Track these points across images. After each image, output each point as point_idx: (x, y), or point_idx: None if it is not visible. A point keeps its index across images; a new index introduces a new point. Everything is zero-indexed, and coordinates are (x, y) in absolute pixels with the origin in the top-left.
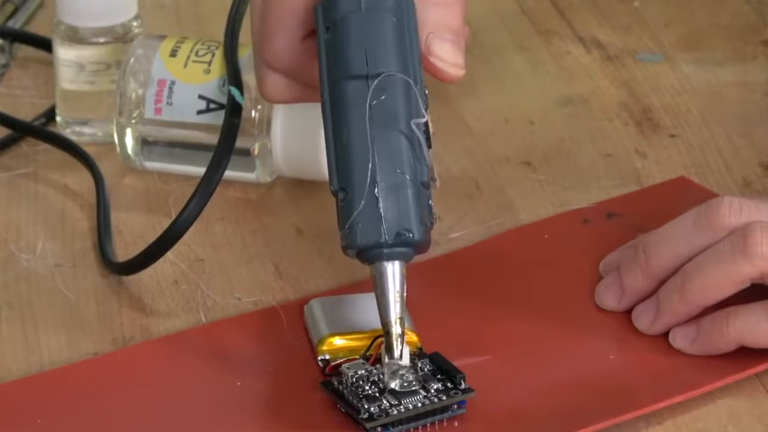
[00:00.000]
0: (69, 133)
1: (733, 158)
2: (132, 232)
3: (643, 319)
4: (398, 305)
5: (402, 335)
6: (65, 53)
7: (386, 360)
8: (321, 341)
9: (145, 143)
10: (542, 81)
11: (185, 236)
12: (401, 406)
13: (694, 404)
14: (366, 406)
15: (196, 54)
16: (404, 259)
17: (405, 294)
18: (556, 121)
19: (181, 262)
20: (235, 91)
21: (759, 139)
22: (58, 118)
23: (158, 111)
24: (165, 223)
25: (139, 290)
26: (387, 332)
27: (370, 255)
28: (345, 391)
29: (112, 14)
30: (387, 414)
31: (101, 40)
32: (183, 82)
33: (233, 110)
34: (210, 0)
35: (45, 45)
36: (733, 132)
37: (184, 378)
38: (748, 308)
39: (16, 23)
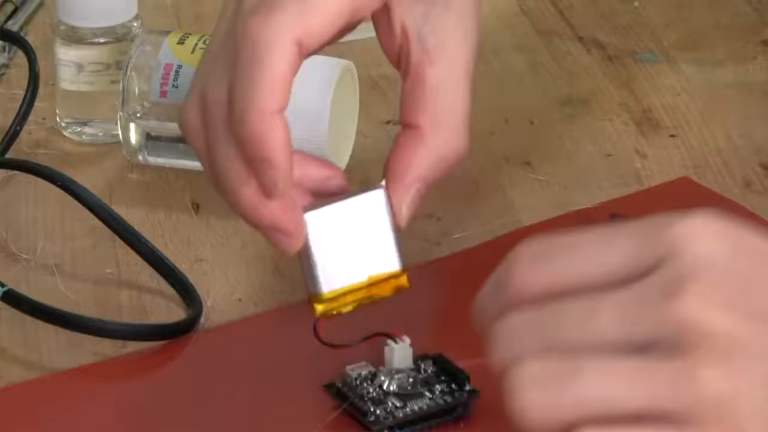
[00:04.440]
0: (69, 133)
1: (733, 158)
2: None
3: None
4: None
5: None
6: (65, 53)
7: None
8: (316, 298)
9: (148, 138)
10: (542, 81)
11: (185, 235)
12: (407, 408)
13: None
14: (372, 409)
15: (204, 42)
16: None
17: None
18: (556, 121)
19: (181, 262)
20: None
21: (759, 139)
22: (57, 119)
23: (163, 94)
24: (165, 219)
25: (138, 290)
26: None
27: None
28: (350, 394)
29: (112, 14)
30: (393, 416)
31: (101, 40)
32: (190, 66)
33: None
34: (210, 0)
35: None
36: (733, 132)
37: (185, 382)
38: None
39: (16, 23)
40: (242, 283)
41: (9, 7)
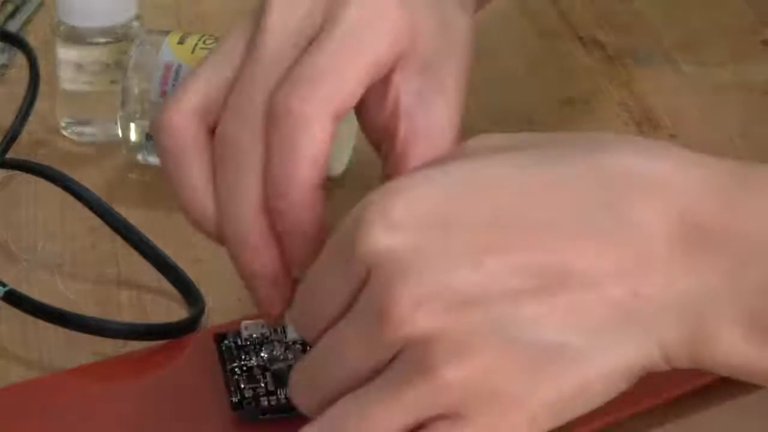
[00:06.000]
0: (69, 133)
1: (733, 158)
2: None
3: None
4: None
5: None
6: (65, 53)
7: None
8: None
9: (148, 138)
10: (542, 81)
11: (185, 236)
12: None
13: (695, 405)
14: None
15: (204, 42)
16: None
17: None
18: (556, 121)
19: (181, 262)
20: None
21: (759, 139)
22: (57, 119)
23: (164, 93)
24: (165, 219)
25: (139, 289)
26: None
27: None
28: None
29: (112, 14)
30: None
31: (101, 40)
32: (190, 66)
33: None
34: (210, 0)
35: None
36: (733, 132)
37: (185, 382)
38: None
39: (16, 23)
40: (242, 283)
41: (9, 7)
